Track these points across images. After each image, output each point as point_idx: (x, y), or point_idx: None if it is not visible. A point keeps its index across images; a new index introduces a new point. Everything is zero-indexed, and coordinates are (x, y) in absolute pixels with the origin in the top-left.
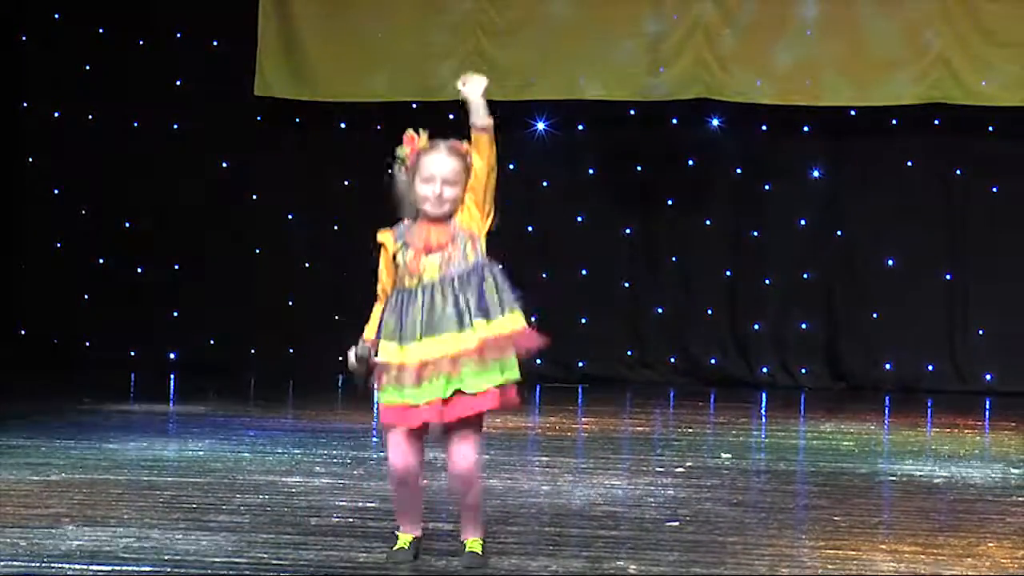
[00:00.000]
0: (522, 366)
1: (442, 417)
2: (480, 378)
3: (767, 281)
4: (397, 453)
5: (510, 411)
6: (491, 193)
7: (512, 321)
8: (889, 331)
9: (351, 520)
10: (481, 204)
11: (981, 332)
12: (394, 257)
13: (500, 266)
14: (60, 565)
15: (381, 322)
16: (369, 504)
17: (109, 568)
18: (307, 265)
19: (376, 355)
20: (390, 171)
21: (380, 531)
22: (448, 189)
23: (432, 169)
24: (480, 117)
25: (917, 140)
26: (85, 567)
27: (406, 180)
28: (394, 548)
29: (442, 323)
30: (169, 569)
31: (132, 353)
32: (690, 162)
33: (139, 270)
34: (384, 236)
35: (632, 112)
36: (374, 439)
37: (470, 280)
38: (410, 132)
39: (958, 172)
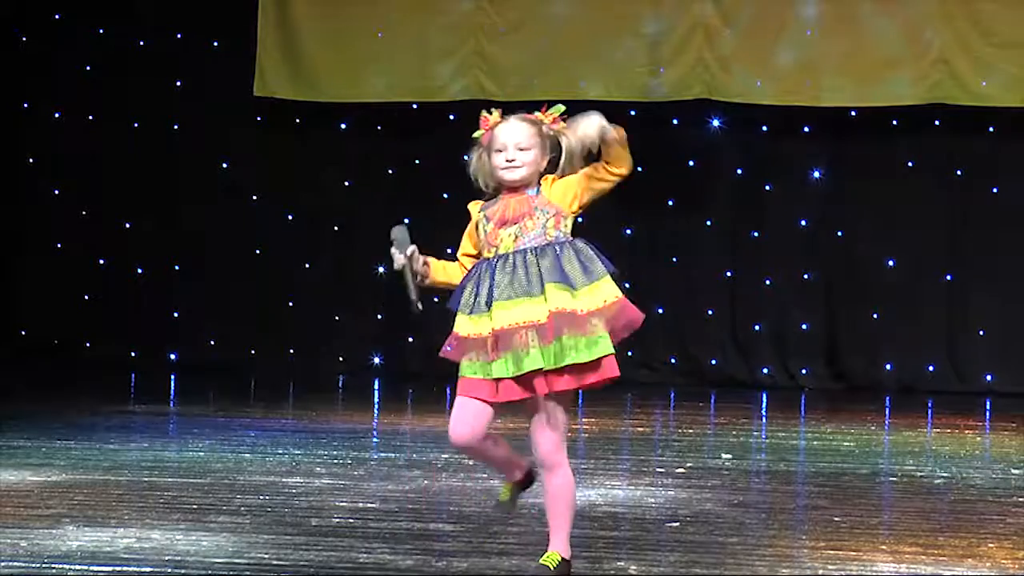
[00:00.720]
0: (616, 342)
1: (546, 389)
2: (566, 354)
3: (767, 281)
4: (456, 423)
5: (607, 384)
6: (597, 195)
7: (599, 295)
8: (889, 331)
9: (352, 521)
10: (580, 194)
11: (981, 333)
12: (476, 227)
13: (590, 244)
14: (60, 566)
15: (460, 290)
16: (370, 505)
17: (110, 569)
18: (307, 266)
19: (424, 268)
20: (466, 157)
21: (380, 532)
22: (521, 154)
23: (504, 138)
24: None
25: (917, 140)
26: (85, 568)
27: (480, 160)
28: (499, 501)
29: (511, 290)
30: (170, 570)
31: (132, 354)
32: (690, 163)
33: (139, 271)
34: (472, 205)
35: (632, 112)
36: (375, 439)
37: (545, 252)
38: (484, 113)
39: (958, 173)
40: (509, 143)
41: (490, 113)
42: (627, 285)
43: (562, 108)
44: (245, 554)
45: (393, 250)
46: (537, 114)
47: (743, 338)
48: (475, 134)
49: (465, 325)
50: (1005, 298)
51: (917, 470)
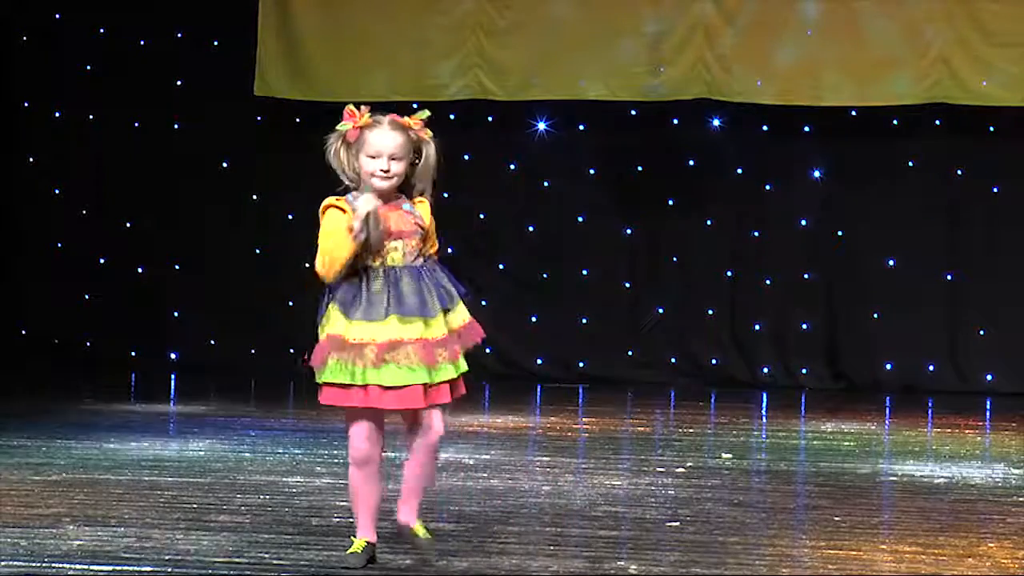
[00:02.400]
0: (470, 358)
1: (423, 403)
2: (454, 368)
3: (768, 281)
4: (362, 435)
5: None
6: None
7: (460, 316)
8: (890, 331)
9: (352, 520)
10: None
11: (982, 332)
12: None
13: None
14: (61, 565)
15: (329, 292)
16: None
17: (110, 568)
18: (307, 265)
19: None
20: (324, 145)
21: (380, 531)
22: (395, 164)
23: (378, 145)
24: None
25: (918, 140)
26: (86, 567)
27: (340, 154)
28: (348, 552)
29: (409, 307)
30: (170, 569)
31: (133, 353)
32: (691, 162)
33: (139, 270)
34: (339, 202)
35: (633, 112)
36: None
37: (430, 274)
38: (350, 107)
39: (959, 172)
40: (384, 152)
41: (358, 110)
42: (627, 285)
43: (427, 113)
44: (245, 553)
45: (363, 204)
46: (407, 119)
47: (743, 337)
48: (339, 126)
49: (345, 329)
50: (1006, 298)
51: (917, 470)
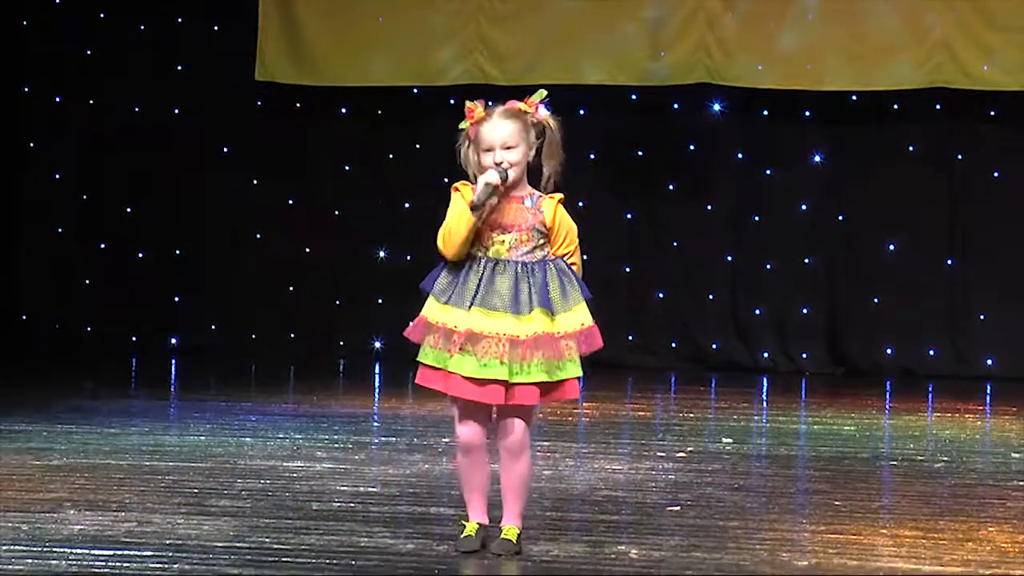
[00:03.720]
0: (583, 361)
1: (503, 400)
2: (534, 372)
3: (768, 266)
4: (462, 422)
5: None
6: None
7: (576, 319)
8: (890, 316)
9: (352, 505)
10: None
11: (982, 317)
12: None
13: (569, 265)
14: (62, 550)
15: (437, 275)
16: (371, 489)
17: (111, 552)
18: (308, 250)
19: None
20: (456, 145)
21: (381, 516)
22: (508, 153)
23: (489, 138)
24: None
25: (918, 125)
26: (87, 551)
27: (467, 153)
28: (461, 535)
29: (495, 301)
30: (170, 554)
31: (133, 338)
32: (691, 147)
33: (140, 255)
34: (465, 187)
35: (633, 97)
36: (375, 424)
37: (535, 271)
38: (469, 104)
39: (960, 157)
40: (496, 143)
41: (475, 106)
42: (627, 270)
43: (544, 93)
44: (246, 538)
45: (494, 171)
46: (520, 104)
47: (744, 322)
48: (461, 124)
49: (436, 312)
50: (1006, 282)
51: (917, 454)
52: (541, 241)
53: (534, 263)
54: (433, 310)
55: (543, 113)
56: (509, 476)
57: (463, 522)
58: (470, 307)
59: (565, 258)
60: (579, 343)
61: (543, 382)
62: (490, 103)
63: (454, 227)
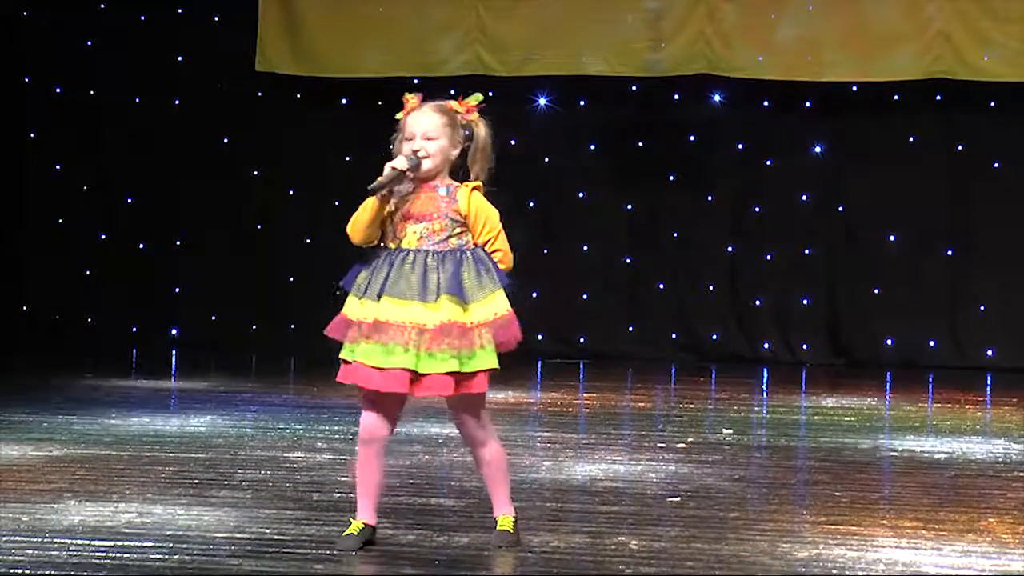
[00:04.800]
0: (500, 354)
1: (406, 389)
2: (442, 362)
3: (768, 257)
4: (365, 414)
5: (475, 396)
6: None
7: (490, 308)
8: (890, 307)
9: (353, 496)
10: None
11: (983, 308)
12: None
13: (488, 254)
14: (62, 540)
15: (355, 273)
16: None
17: (111, 543)
18: (308, 241)
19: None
20: (392, 136)
21: (381, 507)
22: (428, 143)
23: (413, 126)
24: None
25: (919, 116)
26: (87, 542)
27: (398, 142)
28: (344, 532)
29: (402, 289)
30: (171, 544)
31: (133, 329)
32: (691, 138)
33: (140, 246)
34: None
35: (634, 88)
36: None
37: (445, 260)
38: (406, 95)
39: (959, 148)
40: (417, 132)
41: (411, 97)
42: (627, 260)
43: (480, 97)
44: (246, 529)
45: (403, 157)
46: (452, 103)
47: (744, 313)
48: (397, 115)
49: (352, 307)
50: (1006, 273)
51: (918, 445)
52: (457, 230)
53: (446, 252)
54: (350, 306)
55: (473, 116)
56: (482, 467)
57: (350, 518)
58: (379, 297)
59: (487, 246)
60: (494, 333)
61: (455, 372)
62: (417, 97)
63: (359, 212)
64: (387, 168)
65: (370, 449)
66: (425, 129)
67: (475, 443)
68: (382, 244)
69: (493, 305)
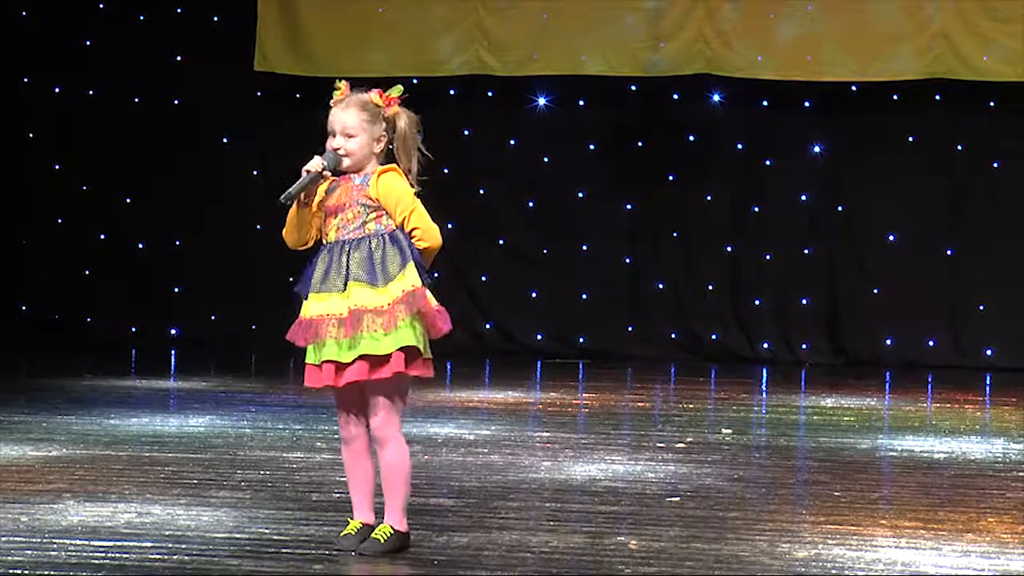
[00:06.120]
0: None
1: (333, 381)
2: (362, 346)
3: (768, 257)
4: (339, 415)
5: (404, 382)
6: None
7: (400, 285)
8: (890, 306)
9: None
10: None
11: (982, 308)
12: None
13: (405, 235)
14: (61, 541)
15: (303, 273)
16: None
17: (110, 544)
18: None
19: (312, 198)
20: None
21: (380, 507)
22: (348, 141)
23: (334, 123)
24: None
25: (918, 115)
26: (86, 542)
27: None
28: (341, 533)
29: (328, 283)
30: (170, 544)
31: (133, 329)
32: (691, 137)
33: (140, 245)
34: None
35: (633, 88)
36: None
37: (359, 246)
38: (338, 82)
39: (959, 148)
40: (337, 129)
41: (339, 87)
42: (627, 260)
43: (400, 89)
44: (245, 529)
45: (319, 159)
46: (373, 96)
47: (744, 313)
48: (330, 102)
49: (303, 309)
50: (1005, 273)
51: (917, 445)
52: (372, 215)
53: (360, 239)
54: (303, 308)
55: (393, 109)
56: (381, 467)
57: (348, 518)
58: (307, 296)
59: (404, 225)
60: (406, 308)
61: (370, 356)
62: (345, 86)
63: (288, 218)
64: (303, 171)
65: (351, 448)
66: (344, 126)
67: (376, 441)
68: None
69: (405, 282)
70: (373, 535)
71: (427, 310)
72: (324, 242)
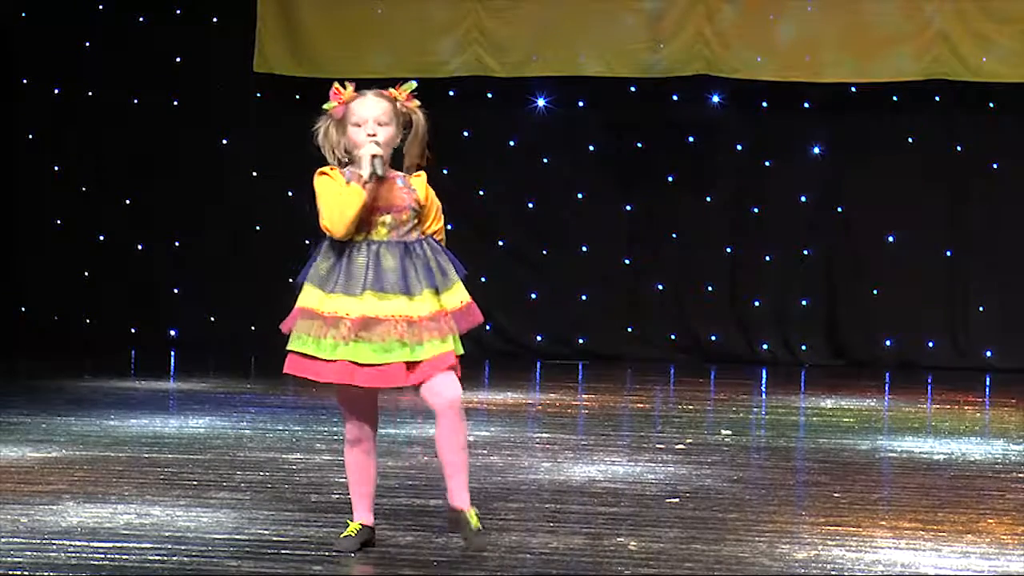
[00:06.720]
0: (466, 342)
1: (405, 382)
2: (438, 347)
3: (767, 258)
4: (350, 414)
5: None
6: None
7: (456, 296)
8: (889, 307)
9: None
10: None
11: (981, 309)
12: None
13: (440, 245)
14: (61, 542)
15: (312, 263)
16: None
17: (110, 545)
18: (307, 242)
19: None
20: (315, 127)
21: (380, 508)
22: (382, 129)
23: (362, 112)
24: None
25: (918, 116)
26: (86, 544)
27: (329, 132)
28: (342, 535)
29: (387, 283)
30: (170, 546)
31: (132, 330)
32: (690, 138)
33: (139, 247)
34: (334, 171)
35: (632, 88)
36: None
37: (416, 251)
38: (336, 85)
39: (958, 148)
40: (369, 117)
41: (344, 87)
42: (627, 261)
43: (414, 85)
44: (245, 530)
45: (373, 145)
46: (391, 91)
47: (743, 314)
48: (325, 106)
49: (317, 301)
50: (1005, 274)
51: (916, 446)
52: (415, 221)
53: (414, 243)
54: (314, 299)
55: (413, 103)
56: (456, 439)
57: (348, 520)
58: (362, 292)
59: (435, 235)
60: (458, 321)
61: (432, 358)
62: (351, 87)
63: (345, 204)
64: (366, 157)
65: (357, 449)
66: (377, 115)
67: (456, 407)
68: None
69: (458, 294)
70: (476, 526)
71: (477, 320)
72: (360, 238)
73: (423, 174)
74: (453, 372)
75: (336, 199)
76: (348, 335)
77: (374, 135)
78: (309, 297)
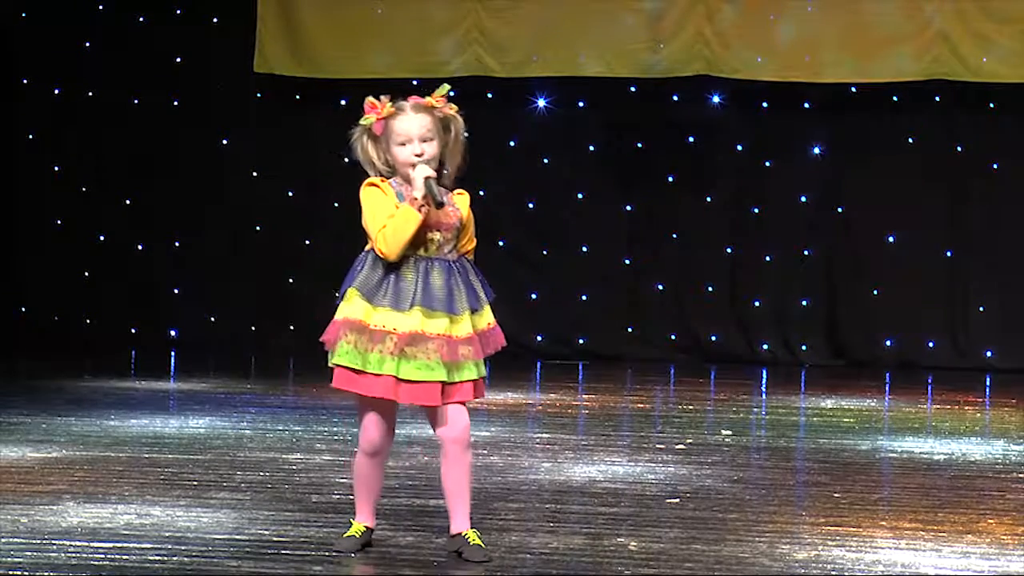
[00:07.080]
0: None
1: (439, 401)
2: (472, 372)
3: (768, 258)
4: (374, 425)
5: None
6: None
7: (485, 319)
8: (890, 308)
9: (352, 498)
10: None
11: (981, 309)
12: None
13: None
14: (61, 542)
15: (355, 273)
16: None
17: (110, 545)
18: (307, 242)
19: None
20: (350, 141)
21: (380, 508)
22: (427, 146)
23: (405, 130)
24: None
25: (918, 116)
26: (86, 544)
27: (367, 147)
28: (345, 535)
29: (436, 301)
30: (170, 546)
31: (133, 330)
32: (691, 139)
33: (139, 247)
34: (385, 183)
35: (632, 89)
36: None
37: (459, 270)
38: (370, 99)
39: (958, 148)
40: (414, 135)
41: (379, 100)
42: (627, 261)
43: (447, 88)
44: (245, 530)
45: (424, 166)
46: (428, 99)
47: (743, 314)
48: (362, 120)
49: (362, 313)
50: (1005, 274)
51: (917, 446)
52: (456, 240)
53: (455, 261)
54: (359, 311)
55: (452, 109)
56: (459, 471)
57: (351, 520)
58: (410, 308)
59: (467, 255)
60: (484, 343)
61: (471, 380)
62: (386, 99)
63: (400, 226)
64: (420, 178)
65: (374, 459)
66: (420, 132)
67: (463, 443)
68: None
69: (488, 316)
70: (474, 542)
71: (500, 344)
72: (411, 255)
73: (466, 193)
74: (465, 404)
75: (398, 220)
76: (394, 350)
77: (421, 154)
78: (355, 308)
